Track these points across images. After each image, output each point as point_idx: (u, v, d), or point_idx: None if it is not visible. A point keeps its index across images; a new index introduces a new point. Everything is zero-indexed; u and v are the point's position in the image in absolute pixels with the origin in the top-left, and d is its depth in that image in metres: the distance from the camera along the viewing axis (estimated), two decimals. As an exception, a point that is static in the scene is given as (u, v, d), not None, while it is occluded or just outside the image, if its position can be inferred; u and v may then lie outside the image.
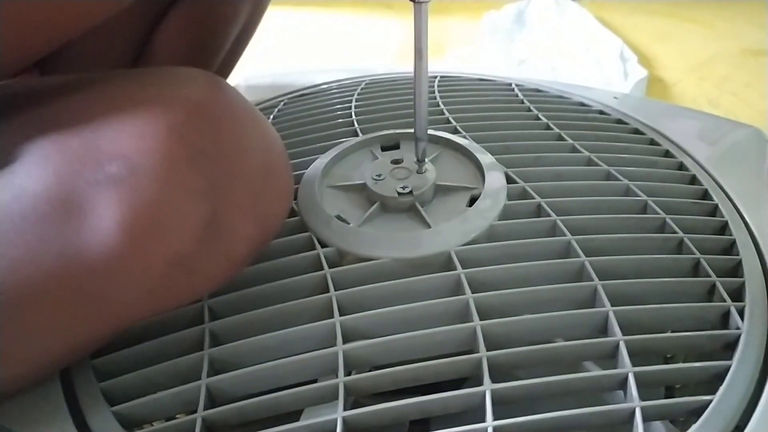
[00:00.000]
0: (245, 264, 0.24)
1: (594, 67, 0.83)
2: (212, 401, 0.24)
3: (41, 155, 0.21)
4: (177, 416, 0.25)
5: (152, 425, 0.25)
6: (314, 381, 0.24)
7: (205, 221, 0.22)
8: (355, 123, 0.39)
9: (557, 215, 0.29)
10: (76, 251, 0.20)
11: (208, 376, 0.24)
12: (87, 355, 0.24)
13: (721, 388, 0.23)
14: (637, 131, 0.39)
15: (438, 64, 0.89)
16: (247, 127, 0.24)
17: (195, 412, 0.23)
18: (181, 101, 0.23)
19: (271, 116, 0.42)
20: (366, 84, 0.46)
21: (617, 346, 0.24)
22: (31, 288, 0.20)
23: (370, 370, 0.24)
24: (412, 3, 0.26)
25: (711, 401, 0.22)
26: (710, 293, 0.27)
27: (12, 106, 0.24)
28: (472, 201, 0.30)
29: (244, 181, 0.23)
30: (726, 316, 0.26)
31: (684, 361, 0.30)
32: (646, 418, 0.22)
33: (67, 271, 0.20)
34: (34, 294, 0.20)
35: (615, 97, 0.42)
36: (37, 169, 0.21)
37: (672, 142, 0.37)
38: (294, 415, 0.24)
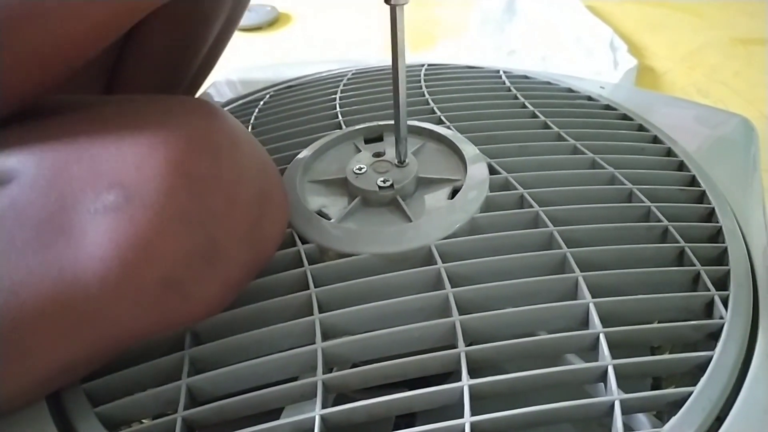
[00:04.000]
0: (241, 288, 0.25)
1: (584, 57, 0.83)
2: (193, 401, 0.24)
3: (43, 180, 0.22)
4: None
5: (133, 425, 0.25)
6: (295, 379, 0.24)
7: (202, 248, 0.22)
8: (340, 115, 0.38)
9: (540, 206, 0.29)
10: (74, 275, 0.20)
11: (189, 375, 0.24)
12: (79, 378, 0.24)
13: (702, 380, 0.22)
14: (625, 117, 0.38)
15: (428, 55, 0.89)
16: (245, 155, 0.25)
17: (176, 411, 0.23)
18: (180, 131, 0.23)
19: (257, 109, 0.42)
20: (351, 75, 0.45)
21: (597, 338, 0.23)
22: (30, 310, 0.20)
23: (354, 366, 0.24)
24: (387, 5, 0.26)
25: (692, 392, 0.22)
26: (695, 282, 0.27)
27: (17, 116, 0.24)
28: (454, 193, 0.30)
29: (242, 209, 0.24)
30: (710, 305, 0.25)
31: (671, 352, 0.30)
32: (626, 411, 0.22)
33: (64, 294, 0.21)
34: (33, 316, 0.21)
35: (602, 87, 0.41)
36: (38, 195, 0.21)
37: (659, 130, 0.36)
38: (275, 414, 0.24)
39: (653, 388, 0.30)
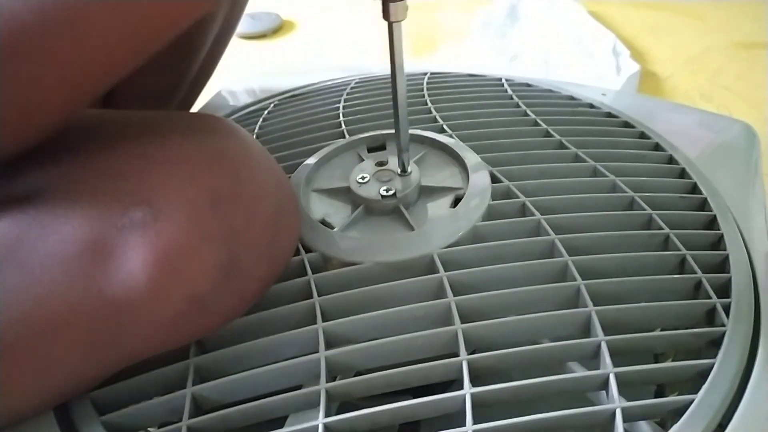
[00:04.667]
0: (256, 300, 0.25)
1: (587, 62, 0.83)
2: (198, 409, 0.24)
3: (70, 197, 0.22)
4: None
5: (140, 434, 0.25)
6: (299, 387, 0.24)
7: (223, 263, 0.23)
8: (343, 124, 0.39)
9: (542, 214, 0.29)
10: (100, 289, 0.21)
11: (194, 384, 0.24)
12: (94, 386, 0.25)
13: (704, 387, 0.23)
14: (627, 124, 0.39)
15: (430, 60, 0.89)
16: (262, 172, 0.25)
17: (181, 420, 0.23)
18: (202, 150, 0.23)
19: (261, 118, 0.42)
20: (354, 84, 0.46)
21: (599, 346, 0.24)
22: (55, 320, 0.21)
23: (357, 374, 0.24)
24: (386, 22, 0.26)
25: (693, 400, 0.22)
26: (696, 290, 0.27)
27: None
28: (457, 201, 0.30)
29: (260, 225, 0.24)
30: (711, 312, 0.26)
31: (674, 359, 0.30)
32: (628, 419, 0.22)
33: (90, 306, 0.21)
34: (58, 326, 0.21)
35: (603, 94, 0.42)
36: (65, 211, 0.21)
37: (661, 137, 0.36)
38: (278, 422, 0.24)
39: (657, 395, 0.30)
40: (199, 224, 0.22)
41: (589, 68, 0.82)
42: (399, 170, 0.31)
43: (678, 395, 0.28)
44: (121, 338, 0.22)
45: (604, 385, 0.23)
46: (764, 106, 0.74)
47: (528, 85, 0.44)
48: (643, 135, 0.37)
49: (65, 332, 0.21)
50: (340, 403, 0.25)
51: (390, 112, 0.39)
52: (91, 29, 0.20)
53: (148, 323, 0.22)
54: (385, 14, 0.26)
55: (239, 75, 0.56)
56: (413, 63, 0.42)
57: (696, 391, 0.23)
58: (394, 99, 0.28)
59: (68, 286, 0.21)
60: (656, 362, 0.32)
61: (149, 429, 0.26)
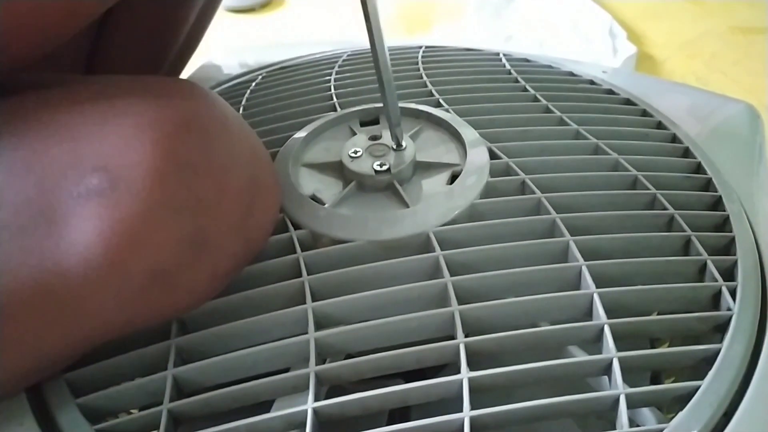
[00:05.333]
0: (230, 279, 0.24)
1: (583, 43, 0.82)
2: (179, 392, 0.23)
3: (20, 161, 0.20)
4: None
5: (118, 417, 0.24)
6: (286, 370, 0.23)
7: (190, 238, 0.21)
8: (334, 97, 0.37)
9: (542, 192, 0.28)
10: (55, 263, 0.19)
11: (175, 365, 0.23)
12: (59, 370, 0.23)
13: (710, 373, 0.22)
14: (628, 102, 0.37)
15: (423, 39, 0.87)
16: (235, 140, 0.23)
17: (162, 403, 0.22)
18: (168, 113, 0.22)
19: (248, 90, 0.41)
20: (346, 57, 0.44)
21: (602, 329, 0.23)
22: (7, 299, 0.19)
23: (346, 357, 0.23)
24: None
25: (699, 387, 0.21)
26: (701, 272, 0.26)
27: None
28: (453, 178, 0.28)
29: (232, 197, 0.22)
30: (717, 296, 0.25)
31: (670, 345, 0.29)
32: (631, 405, 0.21)
33: (44, 283, 0.19)
34: (10, 305, 0.19)
35: (604, 71, 0.40)
36: (15, 178, 0.20)
37: (664, 115, 0.35)
38: (265, 406, 0.23)
39: (652, 382, 0.29)
40: (162, 193, 0.20)
41: (585, 50, 0.80)
42: (393, 145, 0.29)
43: (674, 382, 0.28)
44: (81, 316, 0.20)
45: (607, 370, 0.22)
46: (761, 91, 0.73)
47: (527, 60, 0.42)
48: (645, 113, 0.36)
49: (18, 310, 0.19)
50: (329, 387, 0.24)
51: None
52: None
53: (109, 299, 0.20)
54: None
55: (226, 48, 0.54)
56: (406, 41, 0.40)
57: (696, 378, 0.22)
58: (379, 75, 0.27)
59: (20, 261, 0.19)
60: (652, 348, 0.31)
61: (128, 412, 0.25)
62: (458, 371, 0.22)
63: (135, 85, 0.23)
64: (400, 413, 0.27)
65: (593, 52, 0.80)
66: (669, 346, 0.31)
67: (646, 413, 0.22)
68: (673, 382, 0.28)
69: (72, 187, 0.20)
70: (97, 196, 0.20)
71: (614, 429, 0.21)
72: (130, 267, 0.20)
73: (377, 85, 0.37)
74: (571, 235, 0.26)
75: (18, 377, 0.22)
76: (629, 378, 0.21)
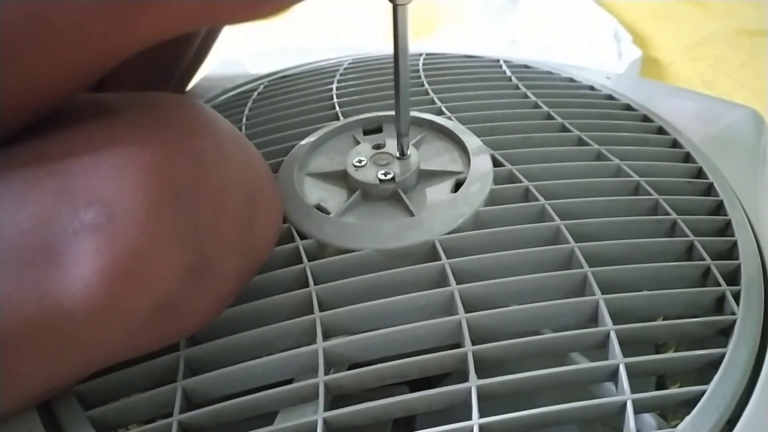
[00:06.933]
0: (234, 298, 0.23)
1: (588, 47, 0.82)
2: (189, 403, 0.23)
3: (15, 198, 0.20)
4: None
5: (128, 429, 0.24)
6: (292, 380, 0.23)
7: (192, 265, 0.21)
8: (337, 106, 0.37)
9: (546, 199, 0.28)
10: (56, 301, 0.19)
11: (185, 377, 0.23)
12: (66, 390, 0.23)
13: (716, 378, 0.22)
14: (629, 107, 0.38)
15: (427, 43, 0.87)
16: (230, 157, 0.23)
17: (171, 414, 0.22)
18: (159, 137, 0.21)
19: (251, 100, 0.41)
20: (348, 65, 0.44)
21: (608, 335, 0.23)
22: (11, 335, 0.19)
23: (350, 366, 0.23)
24: (391, 4, 0.25)
25: (704, 392, 0.21)
26: (704, 277, 0.26)
27: None
28: (458, 186, 0.29)
29: (231, 217, 0.22)
30: (721, 300, 0.25)
31: (675, 350, 0.29)
32: (638, 411, 0.21)
33: (47, 320, 0.19)
34: (13, 341, 0.19)
35: (608, 77, 0.40)
36: (11, 214, 0.19)
37: (665, 121, 0.36)
38: (273, 416, 0.23)
39: (657, 388, 0.29)
40: (159, 223, 0.20)
41: (591, 53, 0.80)
42: (397, 153, 0.30)
43: (680, 387, 0.28)
44: (86, 349, 0.20)
45: (613, 375, 0.22)
46: (766, 94, 0.73)
47: (527, 66, 0.43)
48: (646, 118, 0.36)
49: (22, 347, 0.19)
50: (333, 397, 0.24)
51: (386, 94, 0.38)
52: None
53: (113, 334, 0.20)
54: None
55: (228, 57, 0.54)
56: (410, 46, 0.41)
57: (702, 383, 0.22)
58: (396, 83, 0.27)
59: (21, 299, 0.19)
60: (657, 353, 0.32)
61: (138, 424, 0.25)
62: (461, 379, 0.22)
63: (123, 106, 0.23)
64: (405, 420, 0.27)
65: (598, 55, 0.80)
66: (675, 351, 0.31)
67: (648, 419, 0.22)
68: (679, 386, 0.29)
69: (66, 223, 0.19)
70: (93, 232, 0.19)
71: (621, 434, 0.21)
72: (133, 302, 0.20)
73: (379, 93, 0.38)
74: (575, 242, 0.26)
75: (23, 403, 0.22)
76: (635, 383, 0.21)
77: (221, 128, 0.23)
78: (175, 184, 0.20)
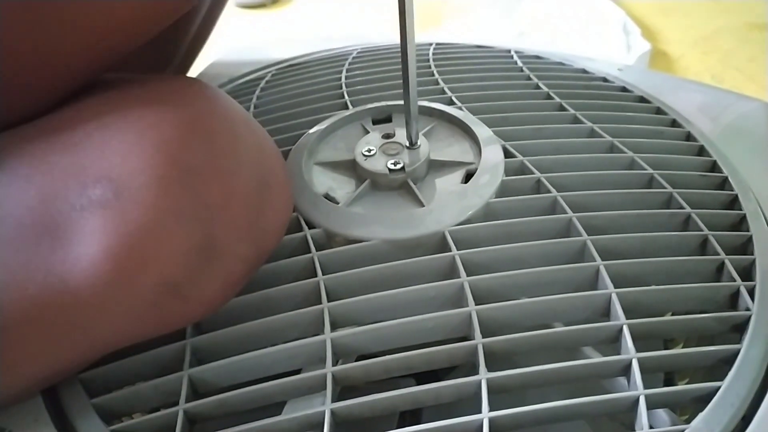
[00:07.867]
0: (243, 284, 0.23)
1: (596, 40, 0.81)
2: (195, 392, 0.23)
3: (22, 173, 0.19)
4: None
5: (132, 417, 0.24)
6: (299, 371, 0.23)
7: (200, 246, 0.20)
8: (346, 95, 0.37)
9: (558, 191, 0.27)
10: (61, 279, 0.19)
11: (191, 366, 0.23)
12: (72, 374, 0.23)
13: (731, 373, 0.21)
14: (642, 99, 0.37)
15: (434, 35, 0.86)
16: (242, 140, 0.22)
17: (177, 403, 0.22)
18: (170, 115, 0.21)
19: (259, 88, 0.40)
20: (357, 54, 0.44)
21: (620, 330, 0.22)
22: (15, 315, 0.19)
23: (357, 359, 0.23)
24: None
25: (719, 388, 0.21)
26: (719, 272, 0.25)
27: None
28: (468, 177, 0.28)
29: (241, 200, 0.21)
30: (735, 296, 0.24)
31: (684, 346, 0.29)
32: (650, 406, 0.21)
33: (52, 299, 0.19)
34: (17, 323, 0.19)
35: (619, 69, 0.40)
36: (18, 191, 0.19)
37: (678, 113, 0.35)
38: (279, 407, 0.23)
39: (665, 384, 0.29)
40: (168, 202, 0.19)
41: (599, 46, 0.80)
42: (407, 143, 0.29)
43: (688, 383, 0.28)
44: (91, 331, 0.20)
45: (625, 371, 0.22)
46: (776, 89, 0.72)
47: (538, 57, 0.42)
48: (659, 111, 0.36)
49: (26, 327, 0.19)
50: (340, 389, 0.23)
51: (395, 83, 0.37)
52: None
53: (119, 315, 0.20)
54: None
55: (236, 45, 0.54)
56: (417, 37, 0.40)
57: (712, 379, 0.21)
58: (405, 73, 0.26)
59: (27, 278, 0.18)
60: (665, 348, 0.31)
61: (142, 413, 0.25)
62: (469, 372, 0.21)
63: (133, 86, 0.23)
64: (410, 413, 0.27)
65: (607, 48, 0.79)
66: (683, 347, 0.31)
67: (661, 414, 0.22)
68: (687, 383, 0.28)
69: (74, 198, 0.19)
70: (101, 208, 0.19)
71: (631, 430, 0.20)
72: (139, 282, 0.19)
73: (388, 83, 0.37)
74: (588, 235, 0.25)
75: (28, 386, 0.22)
76: (645, 379, 0.21)
77: (232, 110, 0.23)
78: (185, 163, 0.20)
